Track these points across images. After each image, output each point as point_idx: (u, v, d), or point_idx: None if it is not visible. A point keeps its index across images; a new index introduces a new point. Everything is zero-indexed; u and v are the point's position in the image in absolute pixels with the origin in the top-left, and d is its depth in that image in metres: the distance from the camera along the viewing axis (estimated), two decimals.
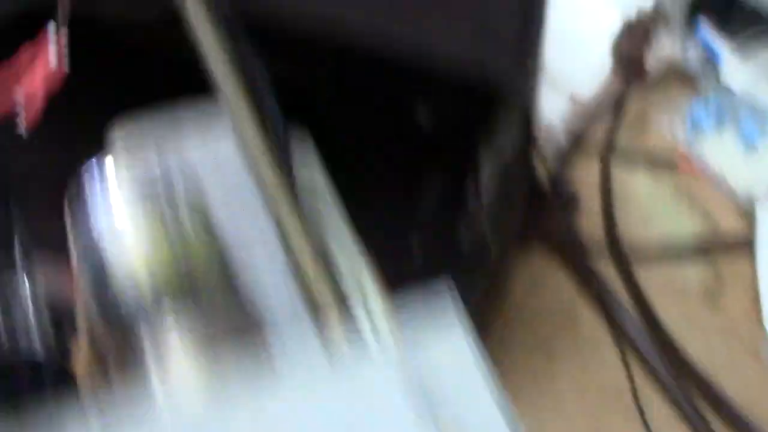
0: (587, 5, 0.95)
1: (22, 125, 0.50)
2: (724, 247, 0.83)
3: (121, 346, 0.29)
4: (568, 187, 0.82)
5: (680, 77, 0.93)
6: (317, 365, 0.28)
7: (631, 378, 0.76)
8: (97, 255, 0.29)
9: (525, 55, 0.52)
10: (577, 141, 0.87)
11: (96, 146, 0.67)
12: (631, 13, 0.93)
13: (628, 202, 0.86)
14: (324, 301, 0.31)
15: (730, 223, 0.86)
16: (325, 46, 0.50)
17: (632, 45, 0.92)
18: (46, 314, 0.32)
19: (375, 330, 0.32)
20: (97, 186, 0.31)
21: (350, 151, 0.76)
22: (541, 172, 0.64)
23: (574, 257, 0.80)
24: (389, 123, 0.78)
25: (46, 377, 0.36)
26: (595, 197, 0.86)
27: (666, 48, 0.93)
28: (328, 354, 0.29)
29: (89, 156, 0.69)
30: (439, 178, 0.76)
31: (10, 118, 0.50)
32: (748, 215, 0.85)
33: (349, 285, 0.33)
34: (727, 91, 0.91)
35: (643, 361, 0.78)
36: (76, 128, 0.64)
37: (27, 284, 0.33)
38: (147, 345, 0.28)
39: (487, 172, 0.66)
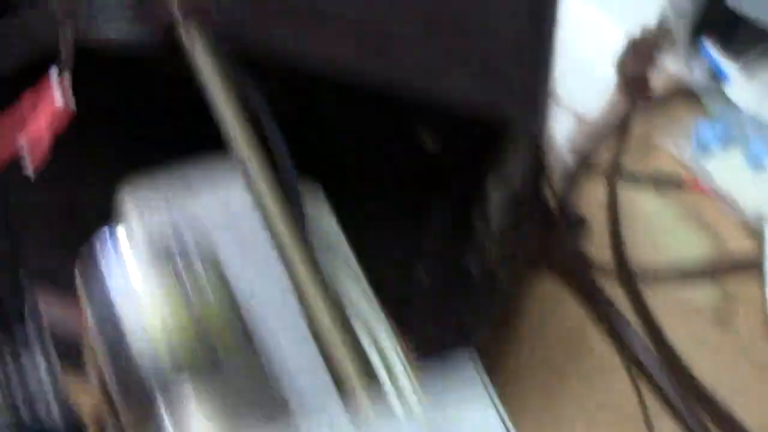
0: (591, 23, 0.95)
1: (29, 166, 0.50)
2: (733, 267, 0.83)
3: (139, 416, 0.29)
4: (574, 208, 0.82)
5: (686, 96, 0.92)
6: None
7: (641, 399, 0.76)
8: (113, 323, 0.29)
9: (535, 91, 0.52)
10: (583, 161, 0.87)
11: (105, 181, 0.67)
12: (636, 31, 0.93)
13: (635, 223, 0.86)
14: (346, 365, 0.31)
15: (738, 243, 0.85)
16: (328, 82, 0.50)
17: (637, 64, 0.92)
18: (63, 382, 0.32)
19: (399, 394, 0.32)
20: (111, 253, 0.31)
21: (353, 174, 0.76)
22: (548, 193, 0.64)
23: (582, 279, 0.79)
24: (393, 146, 0.78)
25: None
26: (601, 218, 0.86)
27: (671, 67, 0.93)
28: (353, 420, 0.29)
29: (98, 193, 0.69)
30: (446, 204, 0.76)
31: (16, 160, 0.50)
32: (756, 235, 0.84)
33: (369, 344, 0.33)
34: (734, 109, 0.90)
35: (653, 382, 0.78)
36: (85, 163, 0.64)
37: (40, 349, 0.33)
38: (166, 414, 0.28)
39: (496, 200, 0.66)
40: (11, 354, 0.37)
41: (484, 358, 0.70)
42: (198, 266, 0.31)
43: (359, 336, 0.35)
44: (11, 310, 0.46)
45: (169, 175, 0.36)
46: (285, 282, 0.33)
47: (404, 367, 0.33)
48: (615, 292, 0.82)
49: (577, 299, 0.79)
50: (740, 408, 0.78)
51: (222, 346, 0.30)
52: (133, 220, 0.33)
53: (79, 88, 0.50)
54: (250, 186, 0.36)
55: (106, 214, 0.68)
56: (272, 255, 0.34)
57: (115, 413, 0.30)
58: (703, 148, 0.89)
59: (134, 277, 0.30)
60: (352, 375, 0.31)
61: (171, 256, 0.31)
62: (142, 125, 0.60)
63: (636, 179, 0.88)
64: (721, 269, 0.83)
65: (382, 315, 0.38)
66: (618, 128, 0.90)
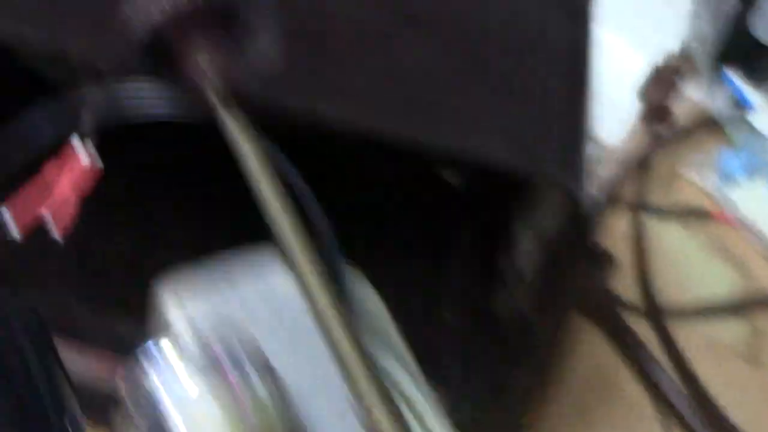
0: (613, 51, 0.93)
1: (56, 231, 0.49)
2: (762, 302, 0.82)
3: None
4: (600, 243, 0.81)
5: (709, 125, 0.91)
6: None
7: None
8: None
9: (572, 148, 0.51)
10: (606, 194, 0.86)
11: (135, 241, 0.65)
12: (658, 59, 0.92)
13: (660, 257, 0.85)
14: None
15: (766, 275, 0.84)
16: (350, 140, 0.49)
17: (659, 92, 0.91)
18: None
19: None
20: (158, 365, 0.30)
21: (375, 211, 0.75)
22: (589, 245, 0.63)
23: (609, 316, 0.78)
24: (415, 180, 0.77)
25: None
26: (625, 251, 0.84)
27: (694, 95, 0.92)
28: None
29: (126, 251, 0.67)
30: (470, 242, 0.75)
31: (40, 225, 0.49)
32: None
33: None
34: (759, 138, 0.89)
35: (683, 422, 0.76)
36: (113, 223, 0.63)
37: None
38: None
39: (526, 249, 0.64)
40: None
41: (517, 403, 0.69)
42: (249, 371, 0.30)
43: (410, 421, 0.34)
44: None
45: (207, 268, 0.34)
46: (336, 376, 0.32)
47: None
48: (642, 329, 0.81)
49: (604, 338, 0.78)
50: None
51: None
52: (175, 322, 0.31)
53: (106, 146, 0.49)
54: (296, 274, 0.35)
55: (128, 271, 0.67)
56: (321, 346, 0.33)
57: None
58: (728, 177, 0.88)
59: (187, 389, 0.29)
60: None
61: (221, 363, 0.30)
62: (171, 186, 0.59)
63: (660, 211, 0.86)
64: (749, 304, 0.82)
65: (432, 399, 0.37)
66: (641, 159, 0.88)
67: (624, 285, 0.81)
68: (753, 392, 0.78)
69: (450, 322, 0.73)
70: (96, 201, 0.50)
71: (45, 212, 0.48)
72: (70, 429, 0.30)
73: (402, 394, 0.35)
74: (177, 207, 0.63)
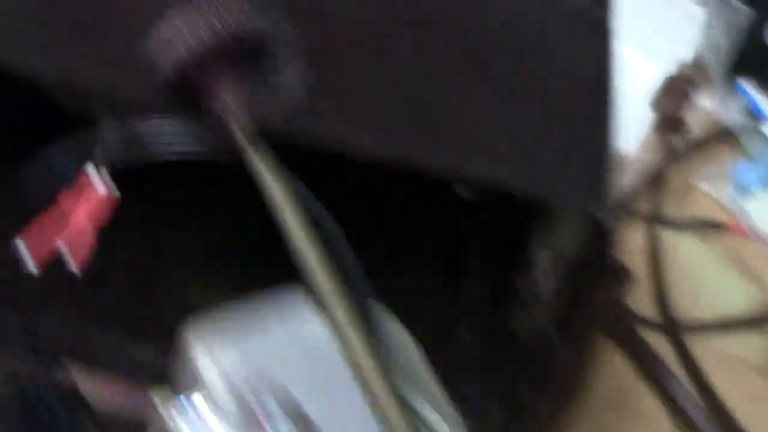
0: (625, 61, 0.93)
1: (73, 263, 0.48)
2: None
3: None
4: (615, 257, 0.80)
5: (723, 136, 0.90)
6: None
7: None
8: None
9: (594, 170, 0.50)
10: (621, 206, 0.85)
11: (158, 277, 0.64)
12: (671, 68, 0.91)
13: (675, 270, 0.84)
14: None
15: None
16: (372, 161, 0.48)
17: (672, 102, 0.90)
18: None
19: None
20: (192, 420, 0.29)
21: (383, 225, 0.74)
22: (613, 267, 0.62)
23: (625, 330, 0.77)
24: (426, 194, 0.76)
25: None
26: (641, 264, 0.84)
27: (707, 106, 0.91)
28: None
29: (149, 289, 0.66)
30: (485, 259, 0.74)
31: (56, 258, 0.48)
32: None
33: None
34: None
35: None
36: (132, 254, 0.62)
37: None
38: None
39: (544, 268, 0.63)
40: None
41: (538, 425, 0.68)
42: (283, 423, 0.29)
43: None
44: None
45: (234, 313, 0.34)
46: (369, 418, 0.31)
47: None
48: (658, 342, 0.80)
49: (618, 349, 0.77)
50: None
51: None
52: (206, 373, 0.30)
53: (123, 175, 0.48)
54: (326, 314, 0.34)
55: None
56: (353, 387, 0.32)
57: None
58: (743, 189, 0.87)
59: None
60: None
61: (255, 416, 0.29)
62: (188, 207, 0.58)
63: (675, 224, 0.85)
64: (766, 317, 0.81)
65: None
66: (655, 171, 0.88)
67: (639, 298, 0.80)
68: None
69: (466, 341, 0.72)
70: (113, 230, 0.49)
71: (61, 244, 0.47)
72: None
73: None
74: (195, 236, 0.63)
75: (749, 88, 0.89)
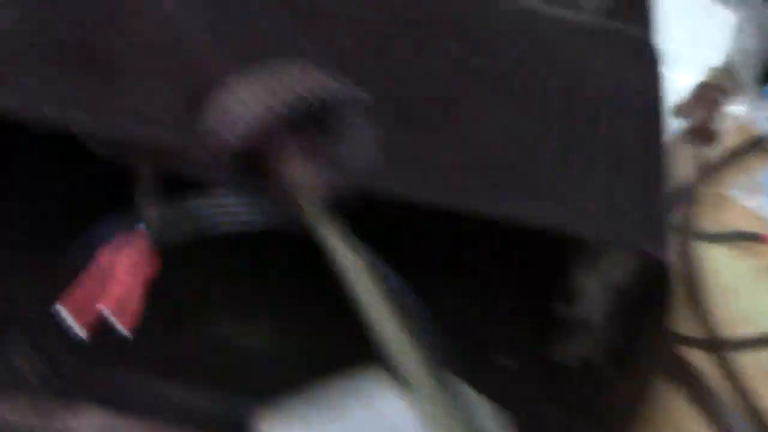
0: None
1: (122, 327, 0.46)
2: None
3: None
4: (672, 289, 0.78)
5: (755, 144, 0.88)
6: None
7: None
8: None
9: (653, 211, 0.48)
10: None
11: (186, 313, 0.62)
12: (700, 74, 0.89)
13: (710, 283, 0.82)
14: None
15: None
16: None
17: (702, 110, 0.88)
18: None
19: None
20: None
21: (423, 248, 0.72)
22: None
23: (676, 359, 0.75)
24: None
25: None
26: (676, 280, 0.82)
27: (737, 113, 0.89)
28: None
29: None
30: (523, 283, 0.72)
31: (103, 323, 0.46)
32: None
33: None
34: None
35: None
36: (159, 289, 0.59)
37: None
38: None
39: (590, 297, 0.62)
40: None
41: None
42: None
43: None
44: None
45: (308, 399, 0.32)
46: None
47: None
48: (697, 358, 0.78)
49: (665, 375, 0.76)
50: None
51: None
52: None
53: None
54: (413, 395, 0.32)
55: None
56: None
57: None
58: None
59: None
60: None
61: None
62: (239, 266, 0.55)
63: (710, 237, 0.84)
64: None
65: None
66: (686, 183, 0.86)
67: (678, 316, 0.79)
68: None
69: (505, 368, 0.70)
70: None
71: (104, 306, 0.45)
72: None
73: None
74: (225, 271, 0.60)
75: None
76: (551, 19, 0.58)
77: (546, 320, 0.67)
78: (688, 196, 0.86)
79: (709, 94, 0.88)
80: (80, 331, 0.45)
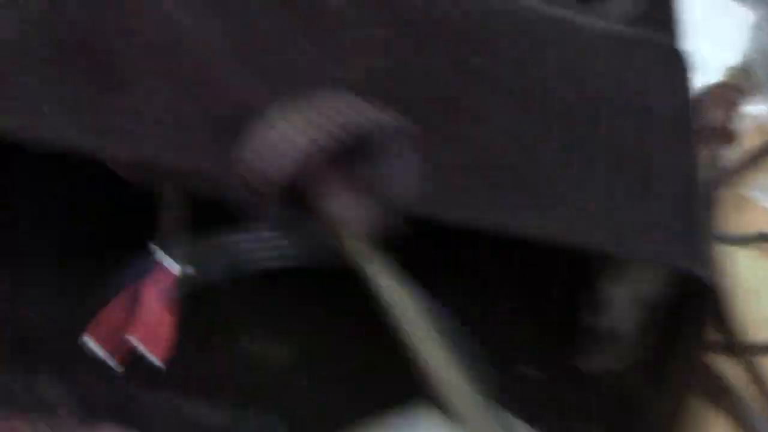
0: None
1: (154, 358, 0.45)
2: None
3: None
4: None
5: None
6: None
7: None
8: None
9: (696, 233, 0.47)
10: None
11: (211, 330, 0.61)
12: (718, 73, 0.88)
13: (733, 289, 0.81)
14: None
15: None
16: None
17: (719, 110, 0.87)
18: None
19: None
20: None
21: (450, 258, 0.71)
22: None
23: (706, 372, 0.74)
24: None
25: None
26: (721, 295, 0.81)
27: (755, 112, 0.88)
28: None
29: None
30: (549, 291, 0.71)
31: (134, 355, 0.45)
32: None
33: None
34: None
35: None
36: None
37: None
38: None
39: (619, 308, 0.61)
40: None
41: None
42: None
43: None
44: None
45: None
46: None
47: None
48: (725, 365, 0.77)
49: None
50: None
51: None
52: None
53: None
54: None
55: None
56: None
57: None
58: None
59: None
60: None
61: None
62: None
63: (729, 239, 0.83)
64: None
65: None
66: (705, 184, 0.85)
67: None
68: None
69: (532, 380, 0.70)
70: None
71: (134, 335, 0.44)
72: None
73: None
74: (250, 288, 0.59)
75: None
76: (551, 19, 0.57)
77: (574, 331, 0.66)
78: (707, 198, 0.85)
79: (727, 94, 0.87)
80: (110, 361, 0.44)
